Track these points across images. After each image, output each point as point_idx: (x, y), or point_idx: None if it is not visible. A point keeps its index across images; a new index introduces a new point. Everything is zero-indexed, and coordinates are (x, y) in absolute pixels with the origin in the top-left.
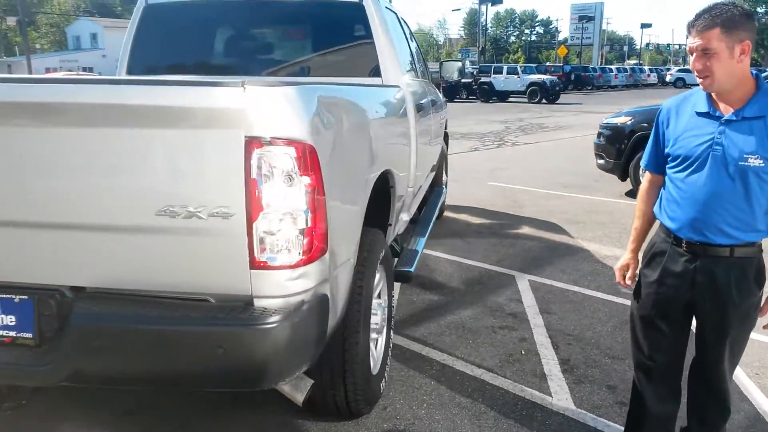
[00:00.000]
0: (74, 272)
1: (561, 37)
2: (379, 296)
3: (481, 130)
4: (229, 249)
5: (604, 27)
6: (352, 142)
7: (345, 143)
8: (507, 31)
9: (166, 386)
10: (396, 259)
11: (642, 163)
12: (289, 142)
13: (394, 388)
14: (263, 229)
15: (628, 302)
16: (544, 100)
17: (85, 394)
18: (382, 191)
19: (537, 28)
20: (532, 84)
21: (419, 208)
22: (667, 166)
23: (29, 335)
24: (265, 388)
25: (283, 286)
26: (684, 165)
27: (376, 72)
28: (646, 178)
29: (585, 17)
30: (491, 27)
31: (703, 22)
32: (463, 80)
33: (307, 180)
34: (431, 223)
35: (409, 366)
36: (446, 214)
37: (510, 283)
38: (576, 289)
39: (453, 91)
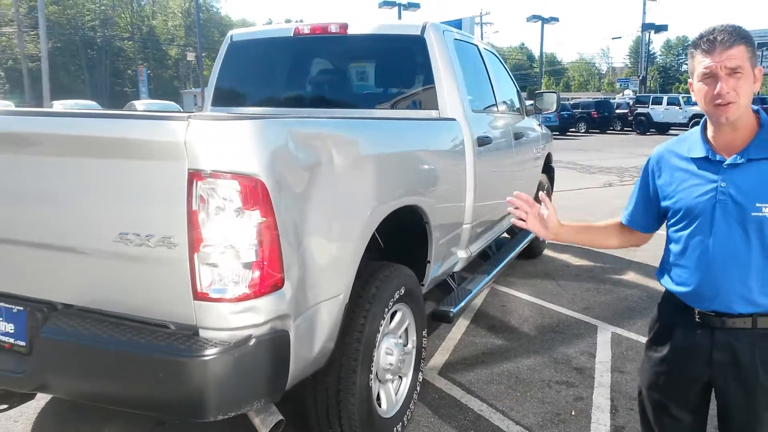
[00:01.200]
0: (64, 290)
1: None
2: (406, 335)
3: (625, 165)
4: (174, 278)
5: None
6: (343, 176)
7: (331, 177)
8: (678, 60)
9: (118, 407)
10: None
11: (622, 219)
12: (234, 176)
13: None
14: (205, 260)
15: None
16: None
17: None
18: (414, 226)
19: None
20: (695, 116)
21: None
22: (667, 223)
23: (23, 343)
24: (208, 419)
25: (226, 318)
26: (686, 221)
27: (433, 105)
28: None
29: (765, 44)
30: (660, 55)
31: (728, 36)
32: (617, 111)
33: (254, 214)
34: (502, 263)
35: (440, 413)
36: (546, 252)
37: (589, 334)
38: None
39: (606, 123)
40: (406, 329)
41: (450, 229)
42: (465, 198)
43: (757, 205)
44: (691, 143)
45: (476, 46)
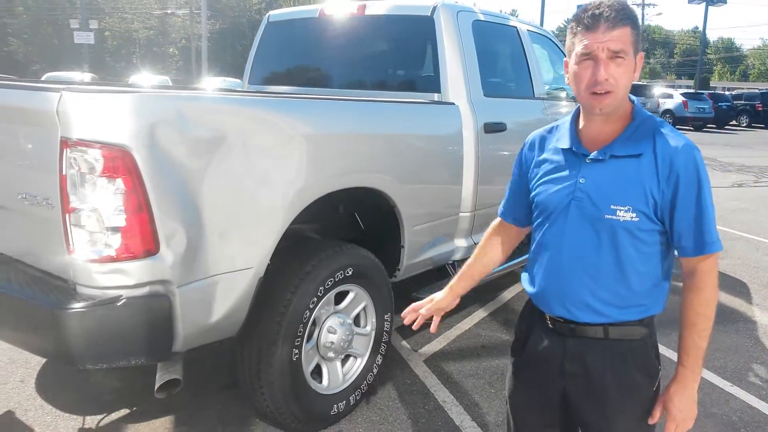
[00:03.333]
0: (10, 244)
1: None
2: (365, 316)
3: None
4: (56, 237)
5: None
6: (257, 154)
7: (239, 154)
8: None
9: (23, 349)
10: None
11: (498, 211)
12: (101, 145)
13: (366, 416)
14: (74, 222)
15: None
16: None
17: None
18: (380, 210)
19: None
20: None
21: None
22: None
23: None
24: (79, 368)
25: (93, 277)
26: (542, 218)
27: (435, 88)
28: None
29: None
30: None
31: (615, 14)
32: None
33: (119, 182)
34: (516, 260)
35: (404, 398)
36: None
37: None
38: None
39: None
40: (365, 310)
41: (434, 216)
42: (462, 185)
43: (612, 207)
44: (561, 132)
45: (515, 28)
